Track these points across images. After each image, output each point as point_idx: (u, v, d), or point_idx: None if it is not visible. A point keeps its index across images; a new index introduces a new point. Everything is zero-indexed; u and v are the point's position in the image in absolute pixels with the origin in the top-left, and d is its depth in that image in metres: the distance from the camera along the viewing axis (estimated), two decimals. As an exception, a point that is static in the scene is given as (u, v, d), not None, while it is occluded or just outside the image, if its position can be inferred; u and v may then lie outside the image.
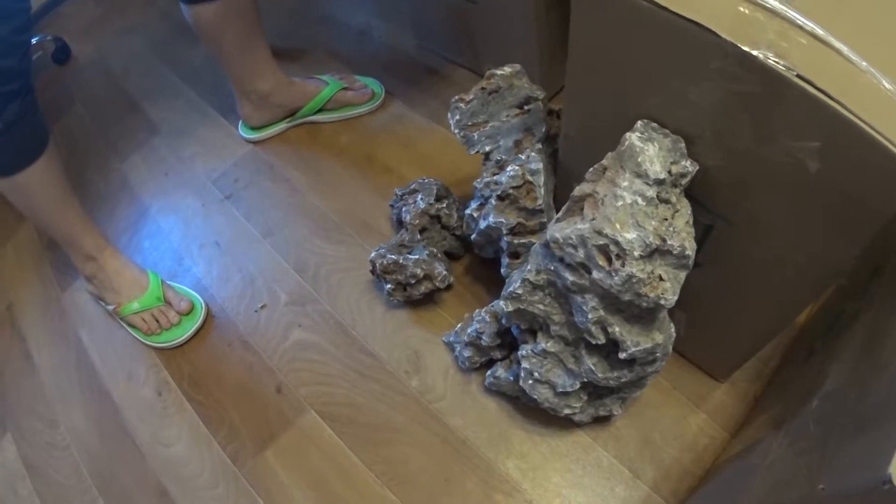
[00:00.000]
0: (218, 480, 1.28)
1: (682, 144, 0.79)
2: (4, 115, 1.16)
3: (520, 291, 0.97)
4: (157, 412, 1.40)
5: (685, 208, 0.83)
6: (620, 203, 0.78)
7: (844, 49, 0.64)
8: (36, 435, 1.47)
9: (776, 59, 0.64)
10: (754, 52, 0.65)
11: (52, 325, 1.64)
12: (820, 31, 0.65)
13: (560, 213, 0.89)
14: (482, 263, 1.40)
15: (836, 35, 0.66)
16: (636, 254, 0.77)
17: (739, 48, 0.65)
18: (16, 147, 1.24)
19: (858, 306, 0.88)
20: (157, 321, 1.47)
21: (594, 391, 1.07)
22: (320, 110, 1.75)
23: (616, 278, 0.79)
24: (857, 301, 0.90)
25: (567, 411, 1.07)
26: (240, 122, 1.80)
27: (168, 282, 1.55)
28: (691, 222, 0.83)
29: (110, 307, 1.51)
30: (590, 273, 0.83)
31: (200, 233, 1.67)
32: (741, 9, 0.68)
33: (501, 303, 1.02)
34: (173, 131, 1.91)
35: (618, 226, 0.78)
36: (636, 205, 0.78)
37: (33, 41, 2.29)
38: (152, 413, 1.41)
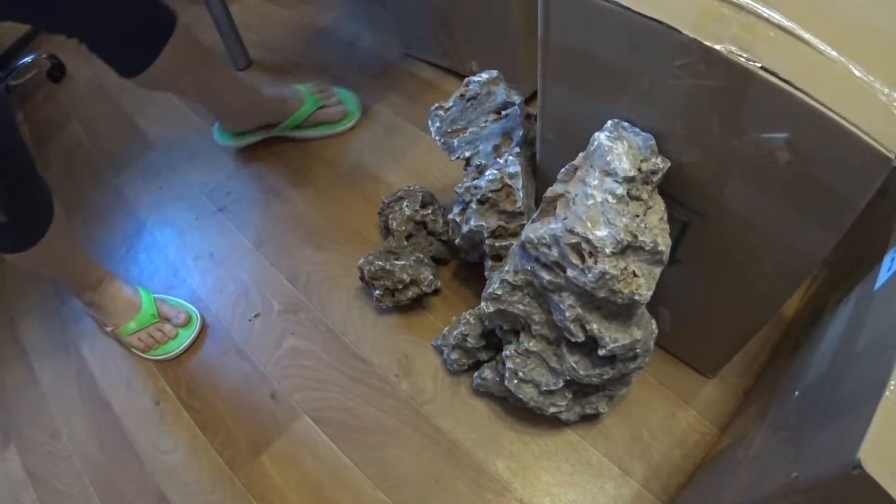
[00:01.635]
0: (215, 486, 1.29)
1: (653, 142, 0.80)
2: (9, 208, 1.18)
3: (499, 292, 0.98)
4: (155, 420, 1.41)
5: (658, 205, 0.83)
6: (591, 202, 0.79)
7: (814, 40, 0.65)
8: (38, 445, 1.48)
9: (739, 53, 0.65)
10: (717, 47, 0.65)
11: (52, 338, 1.65)
12: (788, 24, 0.66)
13: (535, 215, 0.90)
14: (469, 267, 1.41)
15: (809, 27, 0.66)
16: (608, 251, 0.78)
17: (702, 44, 0.66)
18: (23, 231, 1.26)
19: (840, 298, 0.89)
20: (153, 337, 1.49)
21: (579, 389, 1.07)
22: (297, 127, 1.75)
23: (590, 275, 0.80)
24: (840, 293, 0.91)
25: (553, 410, 1.07)
26: (215, 125, 1.80)
27: (163, 295, 1.56)
28: (665, 219, 0.84)
29: (108, 329, 1.53)
30: (564, 271, 0.84)
31: (195, 245, 1.68)
32: (705, 4, 0.69)
33: (482, 304, 1.03)
34: (167, 146, 1.92)
35: (589, 224, 0.79)
36: (606, 203, 0.78)
37: (28, 59, 2.31)
38: (151, 421, 1.41)
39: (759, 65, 0.64)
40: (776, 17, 0.67)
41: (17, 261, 1.30)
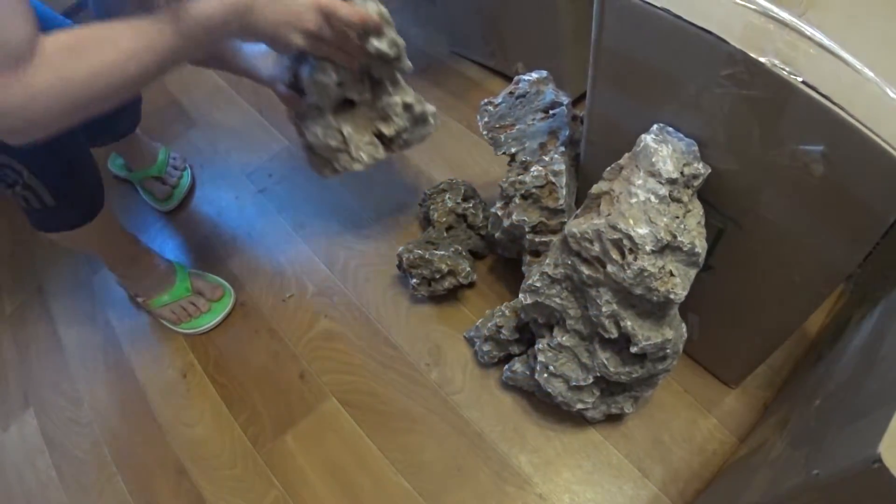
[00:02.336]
0: (236, 461, 1.34)
1: (696, 148, 0.86)
2: (59, 192, 1.21)
3: (538, 284, 1.04)
4: (180, 393, 1.47)
5: (697, 209, 0.89)
6: (634, 200, 0.85)
7: (851, 59, 0.70)
8: (58, 410, 1.54)
9: (783, 66, 0.70)
10: (762, 59, 0.71)
11: (80, 306, 1.71)
12: (828, 42, 0.71)
13: (579, 210, 0.95)
14: (505, 263, 1.46)
15: (846, 47, 0.71)
16: (648, 248, 0.84)
17: (748, 55, 0.71)
18: (69, 216, 1.29)
19: (864, 314, 0.94)
20: (186, 311, 1.54)
21: (607, 388, 1.13)
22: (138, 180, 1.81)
23: (629, 272, 0.86)
24: (865, 309, 0.95)
25: (580, 406, 1.13)
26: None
27: (198, 271, 1.62)
28: (703, 223, 0.90)
29: (140, 300, 1.58)
30: (604, 267, 0.90)
31: (233, 224, 1.74)
32: (752, 20, 0.74)
33: (521, 295, 1.09)
34: (209, 125, 1.98)
35: (631, 221, 0.84)
36: (649, 202, 0.84)
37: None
38: (176, 394, 1.47)
39: (801, 79, 0.69)
40: (818, 35, 0.72)
41: (54, 238, 1.34)
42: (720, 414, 1.22)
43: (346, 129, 1.31)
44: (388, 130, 1.33)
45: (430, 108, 1.37)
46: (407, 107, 1.32)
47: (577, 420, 1.23)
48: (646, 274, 0.85)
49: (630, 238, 0.85)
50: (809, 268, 0.87)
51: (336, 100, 1.28)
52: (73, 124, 0.88)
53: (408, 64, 1.27)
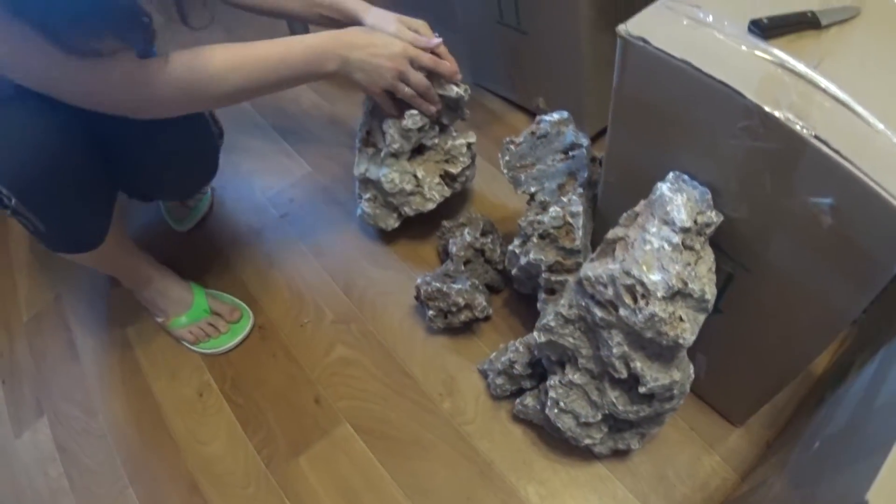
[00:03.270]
0: (250, 480, 1.38)
1: (709, 196, 0.91)
2: (46, 220, 1.20)
3: (553, 324, 1.09)
4: (196, 411, 1.51)
5: (708, 256, 0.94)
6: (648, 247, 0.90)
7: (863, 111, 0.75)
8: (72, 421, 1.57)
9: (796, 121, 0.74)
10: (776, 114, 0.75)
11: (98, 318, 1.74)
12: (841, 94, 0.76)
13: (594, 254, 1.01)
14: (520, 298, 1.51)
15: (859, 98, 0.76)
16: (659, 294, 0.89)
17: (764, 109, 0.76)
18: (63, 243, 1.30)
19: (866, 359, 0.98)
20: (205, 332, 1.59)
21: (614, 424, 1.18)
22: None
23: (640, 316, 0.91)
24: (867, 354, 1.00)
25: (587, 441, 1.18)
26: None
27: (217, 291, 1.67)
28: (713, 269, 0.95)
29: (159, 319, 1.62)
30: (617, 310, 0.95)
31: (253, 247, 1.79)
32: (769, 71, 0.79)
33: (535, 333, 1.14)
34: (232, 146, 1.99)
35: (644, 267, 0.90)
36: (662, 249, 0.90)
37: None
38: (192, 412, 1.51)
39: (813, 133, 0.73)
40: (832, 87, 0.77)
41: (64, 256, 1.35)
42: (724, 451, 1.26)
43: (420, 173, 1.48)
44: (454, 170, 1.51)
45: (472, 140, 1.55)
46: (469, 146, 1.49)
47: (585, 454, 1.27)
48: (656, 319, 0.90)
49: (643, 284, 0.90)
50: (815, 313, 0.91)
51: (414, 145, 1.45)
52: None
53: (467, 110, 1.47)
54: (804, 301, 0.92)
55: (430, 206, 1.54)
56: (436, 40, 1.38)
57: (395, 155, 1.47)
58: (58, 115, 1.12)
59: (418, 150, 1.51)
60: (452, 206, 1.72)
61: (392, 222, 1.61)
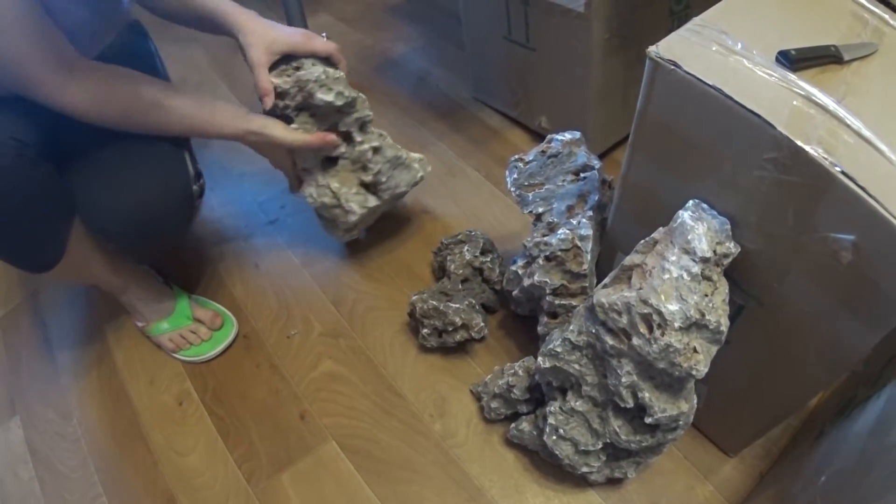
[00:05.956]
0: (228, 495, 1.36)
1: (728, 227, 0.92)
2: None
3: (559, 350, 1.09)
4: (175, 420, 1.49)
5: (724, 287, 0.94)
6: (667, 276, 0.90)
7: (886, 149, 0.76)
8: (45, 423, 1.55)
9: (825, 155, 0.75)
10: (806, 147, 0.75)
11: (77, 318, 1.73)
12: (865, 131, 0.77)
13: (608, 280, 1.01)
14: (516, 319, 1.51)
15: (881, 134, 0.77)
16: (676, 325, 0.89)
17: (793, 142, 0.76)
18: (21, 263, 1.30)
19: (870, 393, 0.99)
20: (186, 339, 1.57)
21: (613, 453, 1.17)
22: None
23: (655, 346, 0.91)
24: (870, 388, 1.01)
25: (584, 469, 1.18)
26: None
27: (201, 297, 1.66)
28: (727, 300, 0.95)
29: (139, 324, 1.61)
30: (630, 339, 0.95)
31: (241, 253, 1.78)
32: (797, 104, 0.80)
33: (539, 358, 1.13)
34: (223, 147, 2.00)
35: (662, 297, 0.90)
36: (682, 279, 0.90)
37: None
38: (170, 421, 1.49)
39: (840, 169, 0.74)
40: (856, 123, 0.78)
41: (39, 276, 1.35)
42: (717, 481, 1.26)
43: (334, 185, 1.48)
44: (367, 178, 1.49)
45: (415, 154, 1.54)
46: (376, 150, 1.48)
47: (578, 480, 1.27)
48: (671, 350, 0.90)
49: (660, 314, 0.90)
50: (824, 348, 0.92)
51: (318, 158, 1.47)
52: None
53: (367, 112, 1.45)
54: (813, 337, 0.92)
55: (353, 217, 1.52)
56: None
57: (308, 170, 1.50)
58: (11, 133, 1.13)
59: (331, 162, 1.51)
60: (447, 221, 1.72)
61: (341, 234, 1.61)
